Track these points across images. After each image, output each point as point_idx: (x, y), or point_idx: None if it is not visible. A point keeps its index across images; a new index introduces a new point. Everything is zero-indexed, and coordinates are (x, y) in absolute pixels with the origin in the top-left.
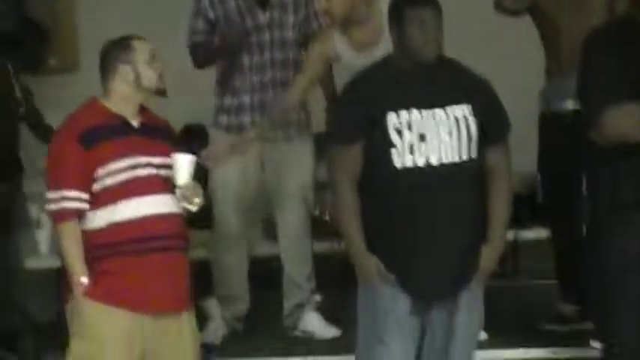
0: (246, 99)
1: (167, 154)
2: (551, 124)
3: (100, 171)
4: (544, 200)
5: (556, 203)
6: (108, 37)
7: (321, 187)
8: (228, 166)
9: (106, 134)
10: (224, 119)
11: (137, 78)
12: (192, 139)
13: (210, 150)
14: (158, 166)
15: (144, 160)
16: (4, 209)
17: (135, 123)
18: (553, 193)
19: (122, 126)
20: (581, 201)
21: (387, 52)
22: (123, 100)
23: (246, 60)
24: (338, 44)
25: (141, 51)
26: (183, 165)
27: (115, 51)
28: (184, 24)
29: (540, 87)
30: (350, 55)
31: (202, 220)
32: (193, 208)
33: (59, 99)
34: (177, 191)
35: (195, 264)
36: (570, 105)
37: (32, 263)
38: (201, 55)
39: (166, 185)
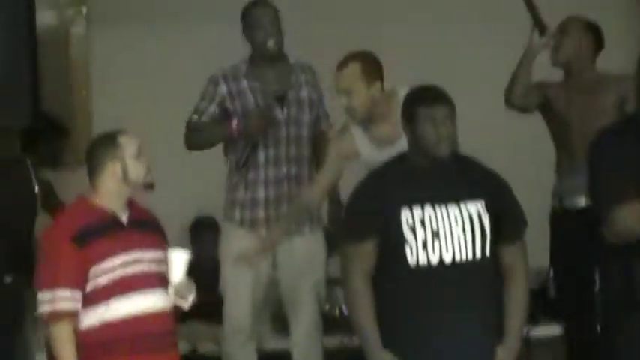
0: (261, 193)
1: (158, 246)
2: (563, 220)
3: (94, 270)
4: (557, 296)
5: (569, 299)
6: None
7: (331, 282)
8: (241, 265)
9: (98, 232)
10: (237, 213)
11: (125, 173)
12: (202, 232)
13: (240, 250)
14: (150, 261)
15: (135, 256)
16: (16, 301)
17: (124, 218)
18: (566, 288)
19: (112, 222)
20: (594, 297)
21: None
22: (111, 195)
23: (261, 154)
24: (359, 140)
25: (127, 146)
26: (178, 263)
27: (102, 148)
28: None
29: (549, 182)
30: (371, 151)
31: (212, 314)
32: (186, 305)
33: (75, 194)
34: (171, 288)
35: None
36: (582, 202)
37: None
38: (202, 137)
39: (158, 280)
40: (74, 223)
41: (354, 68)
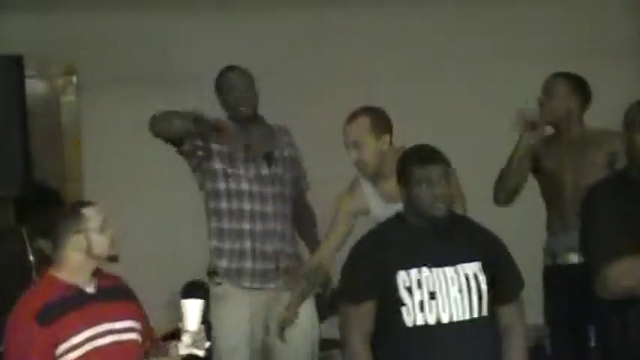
0: (248, 244)
1: (128, 315)
2: (556, 277)
3: (62, 347)
4: (553, 353)
5: (565, 356)
6: (113, 196)
7: (327, 345)
8: (236, 331)
9: (63, 308)
10: (223, 263)
11: (89, 246)
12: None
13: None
14: (121, 331)
15: (104, 327)
16: None
17: (90, 289)
18: (562, 346)
19: (78, 296)
20: (590, 354)
21: None
22: (76, 268)
23: (247, 206)
24: (369, 195)
25: (91, 219)
26: (192, 310)
27: (65, 221)
28: (188, 184)
29: (540, 240)
30: (380, 207)
31: None
32: (201, 353)
33: None
34: (186, 337)
35: None
36: (575, 259)
37: None
38: (178, 115)
39: (129, 350)
40: (37, 301)
41: (364, 121)
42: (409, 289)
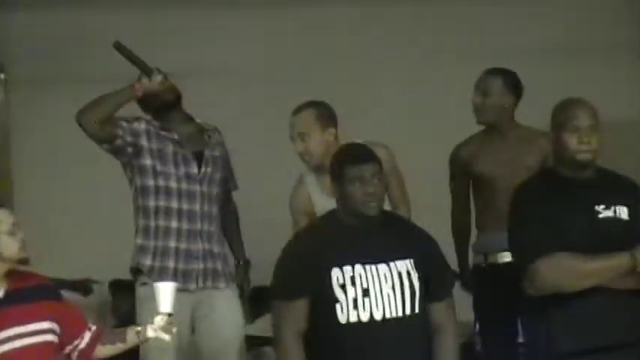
0: (173, 243)
1: (42, 316)
2: (486, 276)
3: None
4: (483, 349)
5: (494, 352)
6: (43, 195)
7: (258, 342)
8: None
9: None
10: (147, 261)
11: None
12: (120, 292)
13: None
14: (31, 334)
15: (13, 332)
16: None
17: (0, 293)
18: (491, 342)
19: None
20: (518, 349)
21: None
22: None
23: (174, 204)
24: (312, 189)
25: (2, 222)
26: (165, 293)
27: None
28: (121, 183)
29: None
30: (324, 201)
31: None
32: (167, 338)
33: None
34: (158, 318)
35: None
36: (506, 257)
37: None
38: (102, 101)
39: (43, 352)
40: None
41: (309, 113)
42: (343, 287)
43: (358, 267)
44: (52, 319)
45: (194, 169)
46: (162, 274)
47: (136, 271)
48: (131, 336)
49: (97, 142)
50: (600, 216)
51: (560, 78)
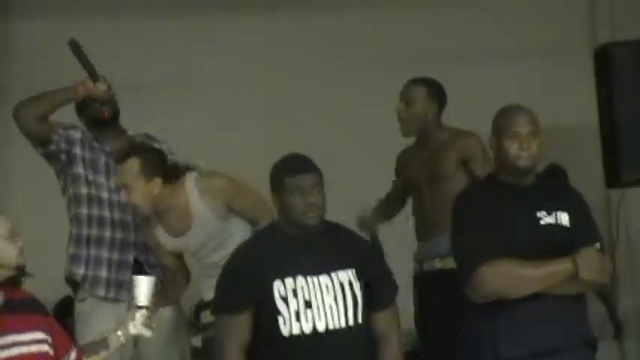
0: (105, 252)
1: (36, 327)
2: (423, 284)
3: None
4: (426, 357)
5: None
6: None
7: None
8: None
9: None
10: (80, 270)
11: None
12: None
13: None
14: (28, 343)
15: (10, 339)
16: None
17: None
18: (433, 350)
19: None
20: (463, 357)
21: (203, 235)
22: None
23: (107, 214)
24: (157, 230)
25: (0, 226)
26: (144, 286)
27: None
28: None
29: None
30: (168, 240)
31: None
32: (149, 334)
33: None
34: (138, 314)
35: None
36: (438, 264)
37: None
38: (42, 98)
39: None
40: None
41: (133, 164)
42: (285, 299)
43: (300, 279)
44: (45, 332)
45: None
46: (95, 284)
47: (71, 282)
48: (113, 341)
49: (31, 142)
50: (542, 222)
51: (509, 80)
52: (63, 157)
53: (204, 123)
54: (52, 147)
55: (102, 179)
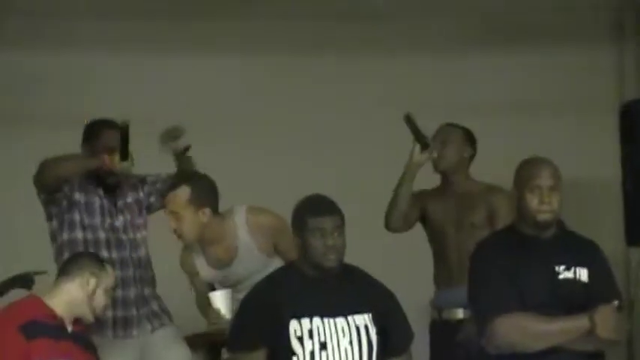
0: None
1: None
2: (442, 331)
3: None
4: None
5: None
6: None
7: None
8: None
9: (45, 331)
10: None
11: (92, 294)
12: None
13: None
14: None
15: None
16: None
17: (69, 328)
18: None
19: (59, 328)
20: None
21: (245, 270)
22: (68, 304)
23: (105, 254)
24: (197, 260)
25: (109, 276)
26: (219, 300)
27: (90, 259)
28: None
29: (430, 296)
30: (208, 272)
31: None
32: None
33: None
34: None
35: None
36: (460, 313)
37: None
38: (65, 161)
39: None
40: (23, 315)
41: (184, 192)
42: (300, 339)
43: (316, 320)
44: None
45: (117, 221)
46: (102, 327)
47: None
48: None
49: (40, 191)
50: (560, 277)
51: (533, 133)
52: (64, 202)
53: (224, 160)
54: (59, 194)
55: (97, 220)
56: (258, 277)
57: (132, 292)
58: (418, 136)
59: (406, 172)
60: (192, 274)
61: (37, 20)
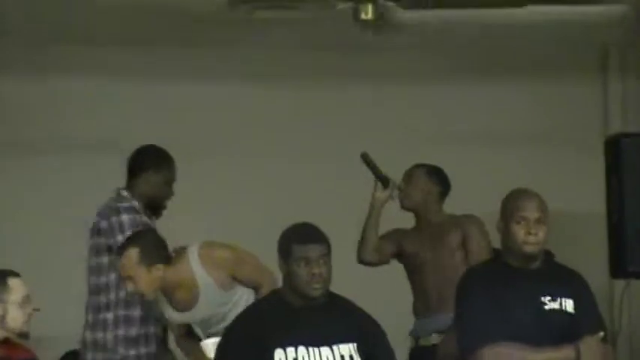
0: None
1: None
2: (420, 358)
3: None
4: None
5: None
6: None
7: None
8: None
9: None
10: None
11: (4, 317)
12: None
13: None
14: None
15: None
16: None
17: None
18: None
19: None
20: None
21: (209, 309)
22: None
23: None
24: (162, 305)
25: (15, 291)
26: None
27: None
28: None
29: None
30: (175, 316)
31: None
32: None
33: None
34: None
35: None
36: (435, 339)
37: None
38: None
39: None
40: None
41: (132, 254)
42: None
43: (301, 349)
44: None
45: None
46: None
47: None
48: None
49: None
50: (546, 307)
51: (519, 164)
52: None
53: (204, 191)
54: None
55: None
56: (225, 309)
57: (132, 331)
58: (377, 174)
59: (371, 210)
60: (163, 318)
61: (27, 48)
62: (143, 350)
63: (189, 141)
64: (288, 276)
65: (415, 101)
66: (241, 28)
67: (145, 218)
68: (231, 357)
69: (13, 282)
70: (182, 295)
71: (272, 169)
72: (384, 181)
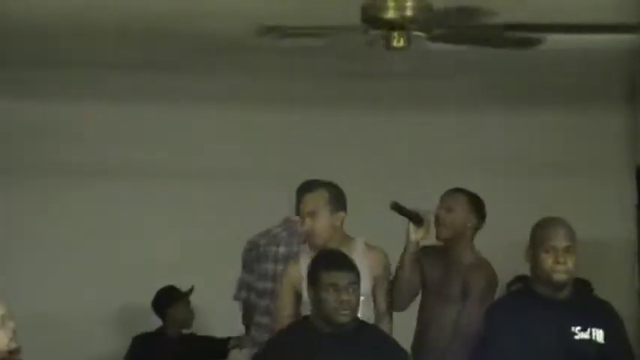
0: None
1: None
2: None
3: None
4: None
5: None
6: None
7: None
8: None
9: None
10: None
11: None
12: None
13: None
14: None
15: None
16: None
17: None
18: None
19: None
20: None
21: None
22: None
23: None
24: (305, 272)
25: None
26: None
27: None
28: None
29: None
30: None
31: None
32: None
33: None
34: None
35: None
36: None
37: None
38: None
39: None
40: None
41: (323, 194)
42: None
43: None
44: None
45: None
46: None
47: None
48: None
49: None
50: (576, 337)
51: (548, 192)
52: None
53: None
54: None
55: None
56: None
57: None
58: (410, 216)
59: (405, 252)
60: (290, 288)
61: (29, 70)
62: None
63: (185, 162)
64: (317, 302)
65: (443, 129)
66: (267, 55)
67: None
68: None
69: None
70: None
71: (268, 195)
72: (418, 220)
